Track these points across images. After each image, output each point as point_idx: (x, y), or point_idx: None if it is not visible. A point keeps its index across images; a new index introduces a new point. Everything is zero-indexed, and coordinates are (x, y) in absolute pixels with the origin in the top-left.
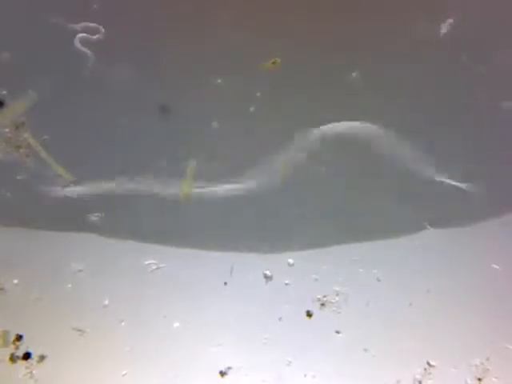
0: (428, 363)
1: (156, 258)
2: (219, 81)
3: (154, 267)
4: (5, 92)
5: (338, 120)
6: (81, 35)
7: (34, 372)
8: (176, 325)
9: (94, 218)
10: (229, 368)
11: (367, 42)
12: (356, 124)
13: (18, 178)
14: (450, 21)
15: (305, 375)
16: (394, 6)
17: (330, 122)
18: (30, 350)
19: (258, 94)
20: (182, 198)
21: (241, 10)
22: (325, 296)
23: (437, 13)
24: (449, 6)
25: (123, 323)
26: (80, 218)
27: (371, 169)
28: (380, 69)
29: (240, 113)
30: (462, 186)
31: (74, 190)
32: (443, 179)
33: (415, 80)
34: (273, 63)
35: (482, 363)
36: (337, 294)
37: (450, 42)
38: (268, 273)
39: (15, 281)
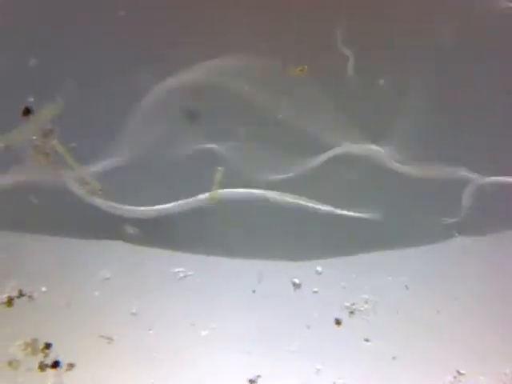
0: (457, 371)
1: (184, 266)
2: (246, 88)
3: (182, 275)
4: (32, 99)
5: (366, 127)
6: None
7: (63, 380)
8: (204, 333)
9: (122, 226)
10: (258, 376)
11: (394, 47)
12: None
13: (46, 185)
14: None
15: (334, 383)
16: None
17: (356, 129)
18: (59, 359)
19: (286, 102)
20: (209, 204)
21: (268, 18)
22: (353, 304)
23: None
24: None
25: (151, 331)
26: (108, 226)
27: (399, 177)
28: (407, 75)
29: (267, 120)
30: (489, 193)
31: (102, 198)
32: (470, 188)
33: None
34: (300, 70)
35: None
36: (365, 302)
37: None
38: (296, 281)
39: (43, 288)
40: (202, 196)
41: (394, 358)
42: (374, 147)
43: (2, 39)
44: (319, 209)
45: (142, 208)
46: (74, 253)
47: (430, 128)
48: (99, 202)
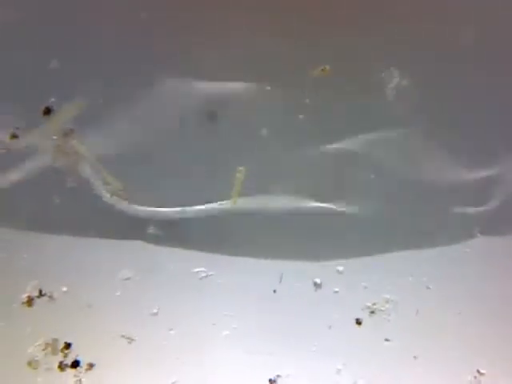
0: (478, 371)
1: (205, 266)
2: (268, 88)
3: (203, 275)
4: (53, 99)
5: (388, 126)
6: None
7: (82, 380)
8: (225, 333)
9: (143, 226)
10: (278, 376)
11: (416, 48)
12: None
13: (67, 185)
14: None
15: (355, 383)
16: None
17: (379, 128)
18: (79, 358)
19: (307, 101)
20: (231, 205)
21: (291, 18)
22: (374, 304)
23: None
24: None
25: (172, 331)
26: (129, 226)
27: (421, 176)
28: (430, 75)
29: (289, 120)
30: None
31: (123, 198)
32: (493, 186)
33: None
34: (322, 70)
35: None
36: (386, 302)
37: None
38: (317, 280)
39: (64, 288)
40: (222, 197)
41: (414, 357)
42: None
43: (24, 40)
44: (333, 209)
45: (165, 209)
46: (95, 253)
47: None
48: (120, 201)
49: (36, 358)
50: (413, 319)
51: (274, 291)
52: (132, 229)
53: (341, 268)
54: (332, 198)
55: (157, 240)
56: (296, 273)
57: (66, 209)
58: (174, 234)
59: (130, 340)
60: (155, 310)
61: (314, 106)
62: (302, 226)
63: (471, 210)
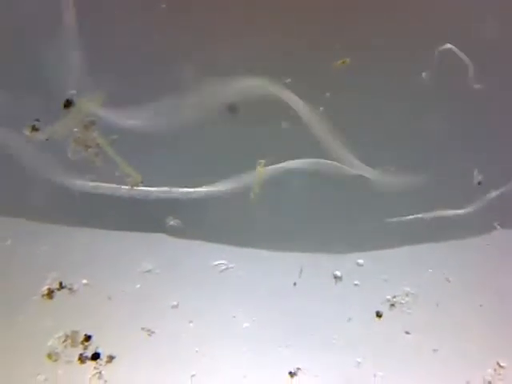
0: (498, 364)
1: (225, 259)
2: (288, 80)
3: (223, 268)
4: (74, 91)
5: (407, 119)
6: None
7: (102, 372)
8: (245, 325)
9: (163, 218)
10: (298, 369)
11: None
12: None
13: (87, 177)
14: None
15: (374, 375)
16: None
17: (398, 121)
18: (99, 351)
19: (328, 94)
20: (251, 198)
21: (309, 11)
22: (394, 296)
23: None
24: None
25: (192, 324)
26: (149, 218)
27: (441, 170)
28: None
29: (309, 113)
30: None
31: (143, 191)
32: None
33: None
34: (342, 63)
35: None
36: (406, 295)
37: None
38: (337, 273)
39: (84, 281)
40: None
41: (434, 350)
42: None
43: (44, 32)
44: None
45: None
46: (115, 245)
47: None
48: (141, 193)
49: (56, 351)
50: (433, 312)
51: (294, 284)
52: (153, 221)
53: (361, 261)
54: (352, 187)
55: (177, 233)
56: (316, 266)
57: (85, 201)
58: (195, 226)
59: (150, 332)
60: (175, 303)
61: (335, 99)
62: (322, 219)
63: (490, 202)
